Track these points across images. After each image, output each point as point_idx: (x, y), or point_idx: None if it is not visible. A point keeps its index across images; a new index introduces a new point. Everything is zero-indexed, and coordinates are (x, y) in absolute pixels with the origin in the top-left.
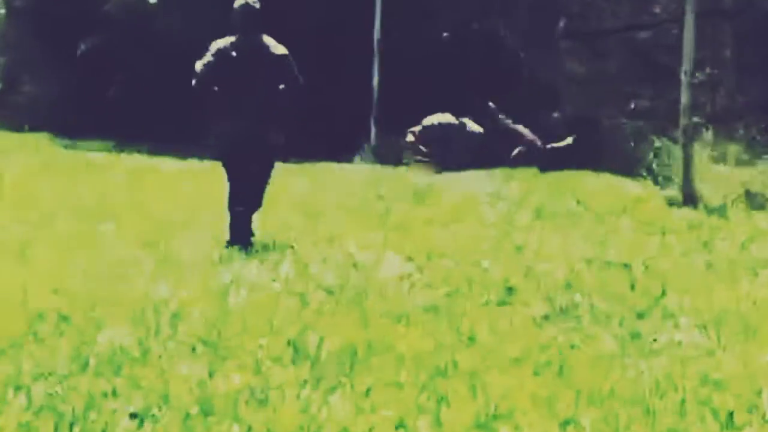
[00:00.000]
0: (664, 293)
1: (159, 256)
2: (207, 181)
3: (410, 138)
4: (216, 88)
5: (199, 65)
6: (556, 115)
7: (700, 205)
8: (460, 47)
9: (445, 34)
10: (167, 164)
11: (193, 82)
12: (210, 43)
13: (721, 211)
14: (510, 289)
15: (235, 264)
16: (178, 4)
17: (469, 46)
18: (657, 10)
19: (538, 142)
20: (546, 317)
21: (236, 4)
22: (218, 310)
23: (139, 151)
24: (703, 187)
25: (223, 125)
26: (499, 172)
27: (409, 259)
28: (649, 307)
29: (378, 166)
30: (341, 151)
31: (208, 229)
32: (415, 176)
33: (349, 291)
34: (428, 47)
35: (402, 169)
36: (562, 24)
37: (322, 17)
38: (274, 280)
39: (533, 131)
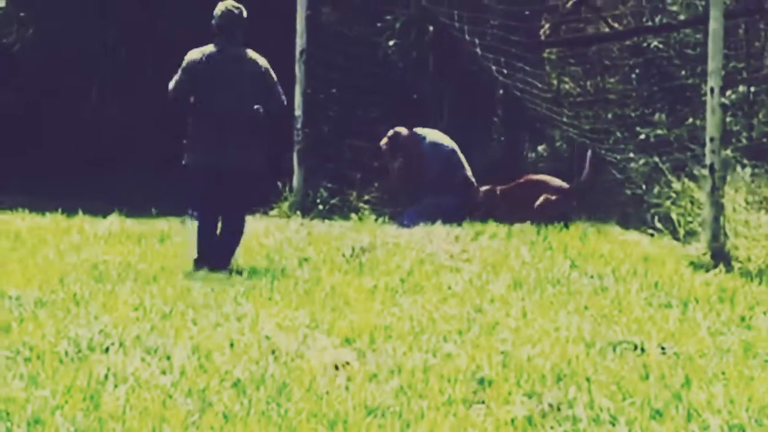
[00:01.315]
0: (687, 385)
1: (10, 345)
2: (74, 242)
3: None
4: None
5: (171, 84)
6: (540, 148)
7: (735, 268)
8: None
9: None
10: (21, 220)
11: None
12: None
13: (762, 275)
14: (481, 382)
15: (112, 352)
16: (35, 12)
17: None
18: (674, 8)
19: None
20: (529, 419)
21: (216, 10)
22: (88, 415)
23: None
24: (738, 243)
25: (197, 155)
26: (466, 227)
27: (346, 342)
28: (668, 403)
29: (303, 219)
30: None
31: (76, 307)
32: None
33: (265, 387)
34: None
35: (334, 223)
36: (546, 27)
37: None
38: (164, 373)
39: (513, 166)
